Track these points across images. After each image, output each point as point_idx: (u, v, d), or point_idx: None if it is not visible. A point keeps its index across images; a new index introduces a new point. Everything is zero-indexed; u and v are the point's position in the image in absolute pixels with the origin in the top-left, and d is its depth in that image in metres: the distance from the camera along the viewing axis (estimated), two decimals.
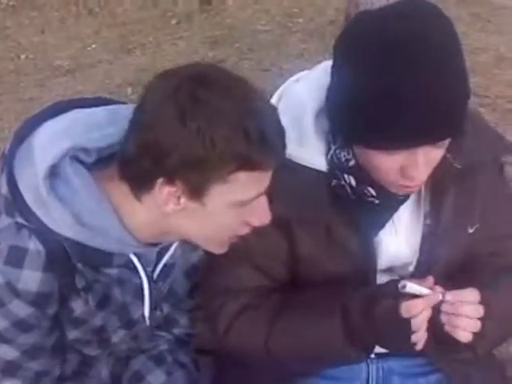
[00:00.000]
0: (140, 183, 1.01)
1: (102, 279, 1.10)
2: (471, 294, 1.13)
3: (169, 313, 1.32)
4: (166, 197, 0.99)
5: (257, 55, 3.56)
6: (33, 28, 4.01)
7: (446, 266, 1.25)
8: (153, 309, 1.22)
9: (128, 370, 1.34)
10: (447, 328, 1.13)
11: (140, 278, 1.13)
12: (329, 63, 1.17)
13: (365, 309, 1.16)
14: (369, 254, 1.22)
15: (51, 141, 1.03)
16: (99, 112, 1.09)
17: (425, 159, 1.08)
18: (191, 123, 0.94)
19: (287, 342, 1.23)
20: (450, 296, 1.11)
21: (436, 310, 1.12)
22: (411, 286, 1.10)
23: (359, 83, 1.05)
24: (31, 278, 1.03)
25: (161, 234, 1.09)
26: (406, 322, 1.10)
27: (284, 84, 1.28)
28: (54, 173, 1.01)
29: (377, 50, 1.04)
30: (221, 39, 3.78)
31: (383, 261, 1.24)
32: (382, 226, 1.22)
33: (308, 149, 1.19)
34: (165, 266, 1.18)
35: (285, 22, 3.97)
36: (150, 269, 1.16)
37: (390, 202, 1.20)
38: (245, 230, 1.09)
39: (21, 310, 1.05)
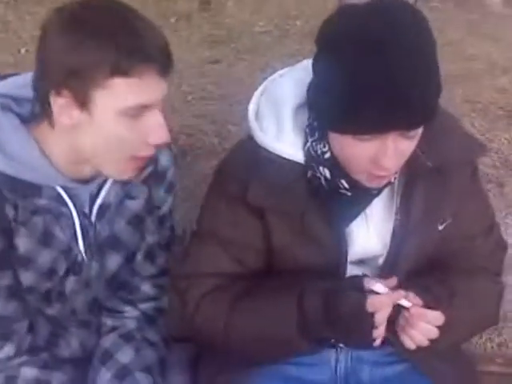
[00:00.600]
0: (44, 105, 1.12)
1: (34, 210, 1.17)
2: (435, 318, 1.18)
3: (127, 280, 1.37)
4: (58, 110, 1.10)
5: (253, 56, 3.60)
6: (33, 22, 4.04)
7: (415, 261, 1.29)
8: (93, 251, 1.27)
9: (99, 347, 1.38)
10: (399, 330, 1.19)
11: (70, 211, 1.20)
12: (311, 61, 1.21)
13: (323, 302, 1.19)
14: (340, 244, 1.26)
15: None
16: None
17: (394, 148, 1.12)
18: (69, 36, 1.06)
19: (244, 325, 1.26)
20: (415, 310, 1.17)
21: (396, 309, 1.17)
22: (378, 286, 1.15)
23: (335, 72, 1.10)
24: None
25: (76, 163, 1.18)
26: (369, 317, 1.14)
27: (268, 79, 1.33)
28: None
29: (354, 45, 1.08)
30: (219, 39, 3.81)
31: (354, 252, 1.28)
32: (354, 218, 1.26)
33: (286, 141, 1.24)
34: (100, 207, 1.24)
35: (282, 24, 4.01)
36: (86, 210, 1.23)
37: (363, 195, 1.24)
38: (146, 151, 1.14)
39: None
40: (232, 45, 3.76)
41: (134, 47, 1.06)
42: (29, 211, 1.17)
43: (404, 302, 1.17)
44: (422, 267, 1.30)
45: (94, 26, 1.06)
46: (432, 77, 1.11)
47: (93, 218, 1.24)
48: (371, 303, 1.15)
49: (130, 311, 1.40)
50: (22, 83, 1.19)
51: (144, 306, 1.41)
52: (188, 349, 1.52)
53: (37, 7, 4.22)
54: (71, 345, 1.39)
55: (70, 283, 1.28)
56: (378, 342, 1.18)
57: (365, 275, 1.22)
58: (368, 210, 1.27)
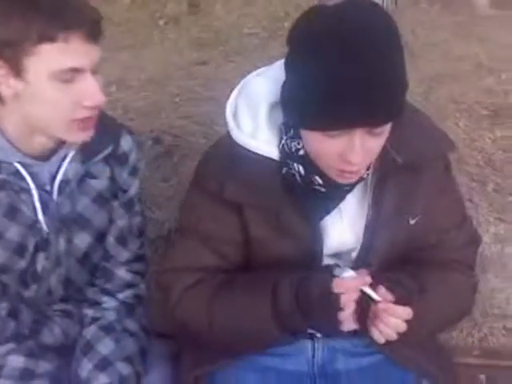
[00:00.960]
0: None
1: None
2: (403, 313, 1.20)
3: (102, 265, 1.42)
4: None
5: (241, 58, 3.62)
6: None
7: (387, 255, 1.32)
8: (57, 227, 1.31)
9: (81, 339, 1.41)
10: (368, 322, 1.22)
11: (29, 186, 1.26)
12: None
13: (295, 290, 1.23)
14: (315, 238, 1.29)
15: None
16: None
17: (361, 145, 1.15)
18: None
19: (223, 317, 1.30)
20: (384, 305, 1.19)
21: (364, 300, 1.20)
22: (347, 271, 1.19)
23: (304, 71, 1.14)
24: None
25: (31, 135, 1.24)
26: (335, 298, 1.17)
27: (245, 78, 1.36)
28: None
29: (320, 43, 1.12)
30: (207, 41, 3.83)
31: (329, 246, 1.31)
32: (328, 213, 1.29)
33: (261, 138, 1.27)
34: (60, 183, 1.30)
35: (270, 26, 4.03)
36: (47, 187, 1.29)
37: (336, 191, 1.27)
38: (84, 113, 1.21)
39: None
40: (220, 47, 3.78)
41: (58, 14, 1.13)
42: None
43: (373, 295, 1.20)
44: (394, 261, 1.33)
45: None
46: (398, 76, 1.14)
47: (54, 194, 1.30)
48: (337, 284, 1.18)
49: (108, 301, 1.44)
50: None
51: (122, 295, 1.45)
52: (170, 344, 1.55)
53: None
54: (54, 333, 1.42)
55: (41, 260, 1.32)
56: (346, 327, 1.20)
57: (336, 265, 1.26)
58: (342, 205, 1.30)
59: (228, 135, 1.31)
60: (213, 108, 3.05)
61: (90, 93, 1.19)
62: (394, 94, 1.14)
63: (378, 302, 1.19)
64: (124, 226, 1.42)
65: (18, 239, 1.29)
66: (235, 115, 1.31)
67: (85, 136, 1.25)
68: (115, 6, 4.08)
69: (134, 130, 1.47)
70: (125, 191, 1.41)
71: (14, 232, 1.28)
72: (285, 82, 1.22)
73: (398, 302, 1.20)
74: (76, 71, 1.17)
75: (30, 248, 1.31)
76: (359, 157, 1.16)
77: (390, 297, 1.20)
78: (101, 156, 1.33)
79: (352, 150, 1.15)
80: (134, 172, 1.42)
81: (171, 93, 3.20)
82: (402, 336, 1.21)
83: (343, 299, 1.18)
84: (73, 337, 1.44)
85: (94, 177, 1.35)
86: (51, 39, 1.14)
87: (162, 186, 2.48)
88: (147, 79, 3.31)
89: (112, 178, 1.38)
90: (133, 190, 1.43)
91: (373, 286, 1.20)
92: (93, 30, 1.18)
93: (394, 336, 1.21)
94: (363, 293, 1.19)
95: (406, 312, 1.20)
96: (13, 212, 1.26)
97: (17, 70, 1.15)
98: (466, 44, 3.90)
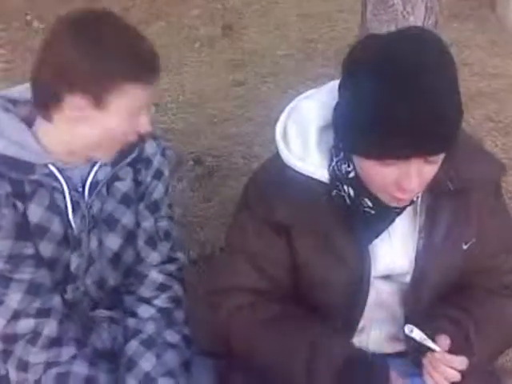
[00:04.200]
0: (47, 101, 1.25)
1: (35, 183, 1.30)
2: (460, 363, 1.22)
3: (132, 268, 1.46)
4: (71, 106, 1.23)
5: (276, 79, 3.66)
6: None
7: (441, 280, 1.33)
8: (89, 226, 1.37)
9: (123, 354, 1.44)
10: (424, 372, 1.25)
11: (62, 186, 1.33)
12: (335, 83, 1.26)
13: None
14: (364, 261, 1.29)
15: None
16: None
17: (417, 173, 1.16)
18: (84, 46, 1.20)
19: (262, 355, 1.33)
20: (441, 356, 1.22)
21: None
22: (417, 332, 1.21)
23: (360, 99, 1.15)
24: None
25: (68, 154, 1.32)
26: None
27: (294, 100, 1.38)
28: None
29: (377, 72, 1.13)
30: (241, 63, 3.89)
31: (379, 268, 1.32)
32: (378, 235, 1.30)
33: (311, 161, 1.28)
34: (91, 184, 1.37)
35: (304, 48, 4.07)
36: (79, 188, 1.36)
37: (386, 213, 1.27)
38: (132, 138, 1.32)
39: None
40: (255, 69, 3.82)
41: (142, 55, 1.24)
42: (33, 184, 1.30)
43: (432, 345, 1.21)
44: (448, 286, 1.34)
45: (107, 36, 1.21)
46: (454, 105, 1.15)
47: (85, 195, 1.37)
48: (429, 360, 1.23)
49: (146, 310, 1.47)
50: (22, 88, 1.34)
51: (158, 300, 1.47)
52: (217, 363, 1.56)
53: None
54: (103, 338, 1.47)
55: (74, 259, 1.38)
56: None
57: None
58: (391, 228, 1.31)
59: (277, 157, 1.33)
60: (250, 128, 3.10)
61: (145, 123, 1.30)
62: (451, 124, 1.14)
63: (436, 352, 1.21)
64: (151, 228, 1.47)
65: (62, 231, 1.35)
66: (284, 137, 1.32)
67: (114, 155, 1.35)
68: (151, 30, 4.18)
69: (174, 150, 1.54)
70: (150, 194, 1.46)
71: (57, 224, 1.34)
72: (337, 107, 1.24)
73: (455, 349, 1.22)
74: (144, 106, 1.28)
75: (71, 240, 1.37)
76: (415, 184, 1.17)
77: (447, 345, 1.22)
78: (128, 159, 1.40)
79: (408, 178, 1.16)
80: (157, 175, 1.47)
81: (209, 114, 3.25)
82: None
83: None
84: (120, 342, 1.48)
85: (119, 179, 1.42)
86: (135, 79, 1.23)
87: (203, 206, 2.51)
88: (185, 101, 3.37)
89: (136, 181, 1.44)
90: (157, 193, 1.47)
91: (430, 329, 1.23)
92: (159, 71, 1.28)
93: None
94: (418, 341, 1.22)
95: (462, 362, 1.21)
96: (55, 206, 1.33)
97: (97, 103, 1.23)
98: (500, 62, 3.89)
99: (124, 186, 1.42)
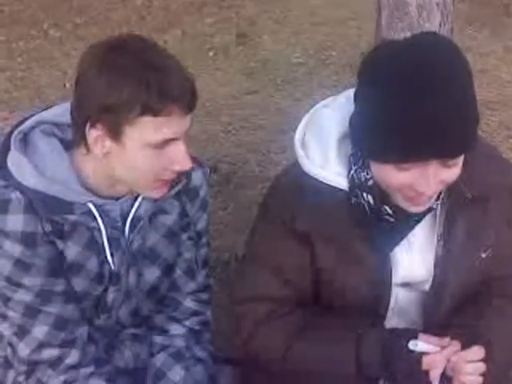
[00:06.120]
0: (79, 134, 1.22)
1: (72, 223, 1.27)
2: (475, 354, 1.24)
3: (168, 295, 1.45)
4: (93, 140, 1.21)
5: (290, 86, 3.67)
6: (78, 58, 4.20)
7: (461, 288, 1.33)
8: (128, 262, 1.35)
9: (151, 367, 1.45)
10: (452, 382, 1.25)
11: (99, 225, 1.29)
12: (352, 91, 1.26)
13: (381, 358, 1.27)
14: (384, 268, 1.30)
15: (27, 119, 1.31)
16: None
17: (434, 177, 1.16)
18: (106, 76, 1.17)
19: (302, 359, 1.32)
20: (456, 357, 1.23)
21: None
22: (422, 345, 1.24)
23: (376, 106, 1.16)
24: (15, 220, 1.24)
25: (110, 185, 1.29)
26: (425, 375, 1.23)
27: (312, 109, 1.39)
28: (26, 140, 1.28)
29: (393, 77, 1.14)
30: (256, 71, 3.90)
31: (399, 276, 1.32)
32: (397, 243, 1.30)
33: (331, 169, 1.29)
34: (132, 220, 1.33)
35: (318, 55, 4.08)
36: (119, 224, 1.33)
37: (406, 221, 1.28)
38: (169, 175, 1.26)
39: (13, 249, 1.25)
40: (270, 76, 3.84)
41: (164, 89, 1.16)
42: (70, 224, 1.28)
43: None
44: (467, 295, 1.34)
45: (128, 67, 1.16)
46: (470, 109, 1.16)
47: (126, 230, 1.33)
48: (426, 362, 1.23)
49: (176, 329, 1.47)
50: (63, 110, 1.30)
51: (189, 322, 1.48)
52: (236, 371, 1.57)
53: (80, 43, 4.41)
54: (125, 356, 1.47)
55: (111, 293, 1.37)
56: None
57: (416, 330, 1.30)
58: (411, 236, 1.31)
59: (296, 164, 1.33)
60: (266, 136, 3.10)
61: (181, 159, 1.22)
62: (468, 127, 1.15)
63: (450, 359, 1.23)
64: (191, 258, 1.44)
65: (97, 269, 1.33)
66: (303, 145, 1.33)
67: (160, 194, 1.29)
68: (167, 38, 4.21)
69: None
70: (194, 225, 1.43)
71: (93, 262, 1.32)
72: (353, 114, 1.24)
73: (465, 345, 1.23)
74: (171, 140, 1.20)
75: (106, 276, 1.35)
76: (432, 188, 1.18)
77: (456, 345, 1.23)
78: (173, 192, 1.34)
79: (425, 182, 1.16)
80: (203, 206, 1.44)
81: (224, 122, 3.27)
82: (486, 377, 1.24)
83: (433, 374, 1.23)
84: (142, 360, 1.48)
85: (165, 212, 1.37)
86: (154, 113, 1.16)
87: (219, 214, 2.52)
88: (200, 109, 3.37)
89: (182, 213, 1.40)
90: (202, 224, 1.45)
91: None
92: (192, 103, 1.21)
93: (479, 380, 1.23)
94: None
95: (478, 351, 1.23)
96: (92, 244, 1.31)
97: (114, 134, 1.19)
98: None
99: (169, 219, 1.38)
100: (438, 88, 1.12)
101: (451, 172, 1.19)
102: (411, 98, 1.12)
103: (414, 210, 1.25)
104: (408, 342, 1.25)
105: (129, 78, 1.16)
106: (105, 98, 1.16)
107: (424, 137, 1.12)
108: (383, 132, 1.15)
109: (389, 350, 1.26)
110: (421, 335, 1.26)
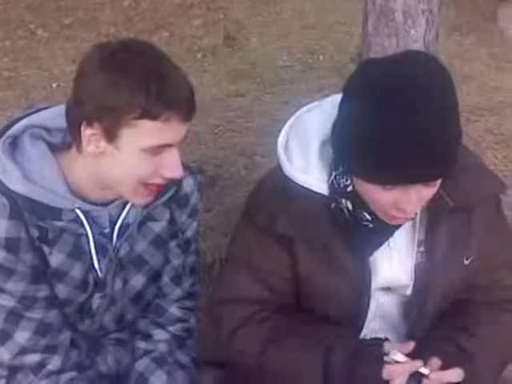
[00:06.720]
0: (74, 133, 1.21)
1: (60, 229, 1.26)
2: (454, 376, 1.23)
3: (154, 302, 1.44)
4: (88, 138, 1.19)
5: (277, 89, 3.69)
6: (64, 58, 4.19)
7: (444, 293, 1.33)
8: (115, 269, 1.34)
9: (133, 371, 1.44)
10: None
11: (85, 230, 1.28)
12: (338, 97, 1.26)
13: (347, 362, 1.26)
14: (364, 272, 1.30)
15: (16, 122, 1.29)
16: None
17: (417, 196, 1.17)
18: (106, 76, 1.15)
19: (273, 366, 1.33)
20: (434, 375, 1.22)
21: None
22: (395, 354, 1.22)
23: (362, 123, 1.15)
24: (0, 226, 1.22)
25: (98, 188, 1.27)
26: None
27: (297, 113, 1.39)
28: (15, 144, 1.26)
29: (380, 95, 1.13)
30: (243, 73, 3.91)
31: (379, 280, 1.33)
32: (377, 247, 1.31)
33: (312, 174, 1.29)
34: (120, 227, 1.32)
35: (305, 59, 4.10)
36: (106, 230, 1.31)
37: (385, 227, 1.28)
38: (157, 181, 1.23)
39: None
40: (257, 79, 3.85)
41: (164, 94, 1.15)
42: (57, 230, 1.26)
43: (422, 370, 1.22)
44: (451, 301, 1.35)
45: (130, 69, 1.15)
46: (454, 130, 1.16)
47: (113, 237, 1.32)
48: (387, 372, 1.22)
49: (160, 334, 1.46)
50: (53, 115, 1.29)
51: (173, 328, 1.47)
52: (217, 372, 1.57)
53: (67, 43, 4.39)
54: (108, 361, 1.46)
55: (96, 299, 1.36)
56: None
57: (386, 339, 1.29)
58: (391, 241, 1.32)
59: (279, 168, 1.34)
60: (252, 139, 3.11)
61: (172, 166, 1.21)
62: (451, 148, 1.15)
63: (428, 374, 1.22)
64: (179, 265, 1.43)
65: (81, 276, 1.32)
66: (286, 150, 1.33)
67: (147, 200, 1.27)
68: (154, 40, 4.21)
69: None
70: (183, 232, 1.41)
71: (77, 270, 1.31)
72: (337, 128, 1.23)
73: (447, 364, 1.23)
74: (165, 146, 1.19)
75: (91, 283, 1.34)
76: (414, 207, 1.18)
77: (438, 364, 1.22)
78: (163, 200, 1.33)
79: (407, 201, 1.17)
80: (193, 214, 1.42)
81: (211, 124, 3.27)
82: None
83: None
84: (125, 365, 1.47)
85: (154, 219, 1.36)
86: (153, 117, 1.15)
87: (204, 216, 2.52)
88: None
89: (171, 221, 1.38)
90: (191, 231, 1.43)
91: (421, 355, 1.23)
92: (191, 111, 1.19)
93: None
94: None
95: (457, 374, 1.22)
96: (77, 251, 1.30)
97: (110, 136, 1.17)
98: (501, 76, 3.92)
99: (158, 226, 1.36)
100: (421, 109, 1.11)
101: (431, 190, 1.20)
102: (392, 123, 1.11)
103: (394, 223, 1.26)
104: (377, 350, 1.25)
105: (130, 80, 1.14)
106: (105, 98, 1.15)
107: (407, 161, 1.12)
108: (365, 154, 1.15)
109: (354, 356, 1.26)
110: (392, 345, 1.27)
